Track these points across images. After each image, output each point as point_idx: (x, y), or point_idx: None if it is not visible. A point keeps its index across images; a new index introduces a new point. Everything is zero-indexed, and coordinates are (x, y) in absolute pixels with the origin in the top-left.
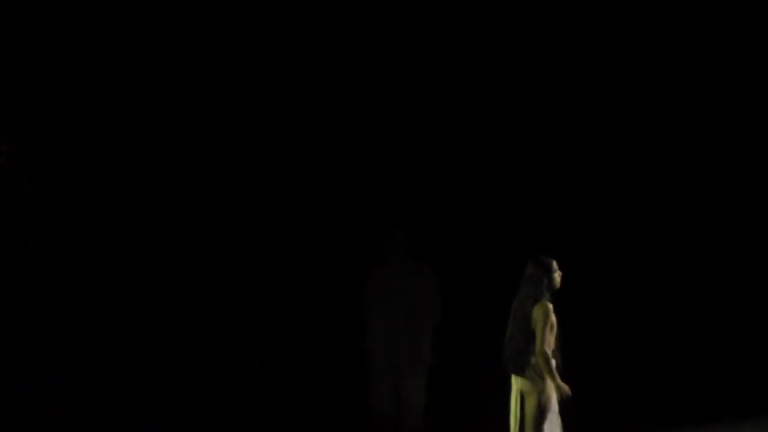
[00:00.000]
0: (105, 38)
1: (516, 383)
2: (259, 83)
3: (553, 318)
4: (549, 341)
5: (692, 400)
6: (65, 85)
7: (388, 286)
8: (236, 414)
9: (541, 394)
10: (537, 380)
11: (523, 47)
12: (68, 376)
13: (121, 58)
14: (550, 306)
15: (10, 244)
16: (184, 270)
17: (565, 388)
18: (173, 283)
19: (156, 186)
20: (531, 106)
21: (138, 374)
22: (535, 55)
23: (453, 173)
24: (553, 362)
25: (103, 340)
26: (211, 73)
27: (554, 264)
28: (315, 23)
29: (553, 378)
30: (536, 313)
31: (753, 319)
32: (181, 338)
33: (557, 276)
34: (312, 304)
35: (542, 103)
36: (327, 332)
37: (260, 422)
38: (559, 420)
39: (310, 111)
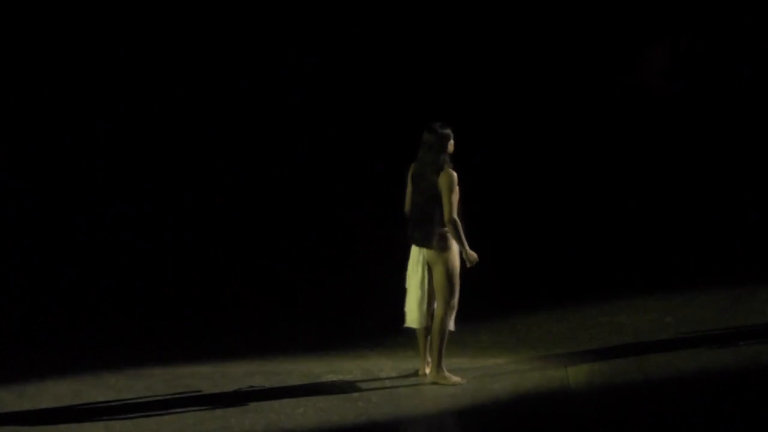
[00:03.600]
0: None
1: (421, 254)
2: None
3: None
4: (457, 208)
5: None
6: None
7: None
8: None
9: (448, 263)
10: (444, 249)
11: None
12: None
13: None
14: (455, 173)
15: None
16: None
17: (474, 255)
18: None
19: None
20: None
21: None
22: None
23: None
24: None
25: None
26: None
27: (450, 131)
28: None
29: (463, 244)
30: (442, 181)
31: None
32: None
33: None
34: None
35: None
36: None
37: None
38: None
39: None
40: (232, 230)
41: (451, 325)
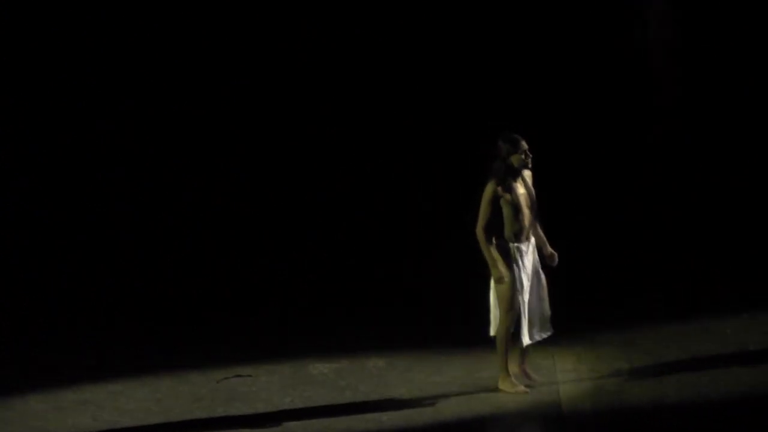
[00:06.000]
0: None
1: None
2: None
3: (508, 196)
4: (489, 220)
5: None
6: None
7: None
8: None
9: (494, 273)
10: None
11: None
12: None
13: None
14: (496, 186)
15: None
16: None
17: (500, 272)
18: None
19: None
20: None
21: None
22: None
23: None
24: (494, 242)
25: None
26: None
27: (522, 143)
28: None
29: (490, 257)
30: (484, 192)
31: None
32: None
33: (523, 156)
34: None
35: None
36: None
37: None
38: (527, 305)
39: None
40: (232, 230)
41: (525, 338)
